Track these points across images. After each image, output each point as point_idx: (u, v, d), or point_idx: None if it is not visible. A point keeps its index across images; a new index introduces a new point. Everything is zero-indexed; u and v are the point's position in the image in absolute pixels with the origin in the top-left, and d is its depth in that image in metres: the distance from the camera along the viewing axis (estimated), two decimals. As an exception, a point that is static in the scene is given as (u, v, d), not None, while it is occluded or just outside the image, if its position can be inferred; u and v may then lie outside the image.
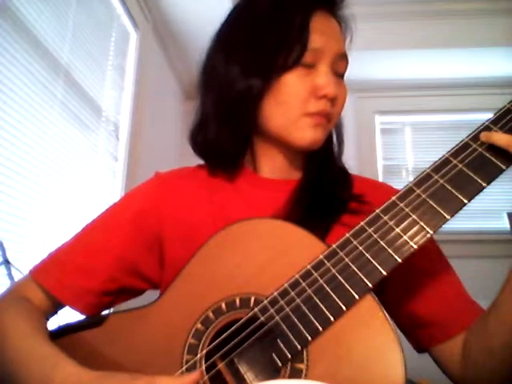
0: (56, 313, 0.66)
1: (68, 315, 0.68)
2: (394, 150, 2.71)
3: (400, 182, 2.60)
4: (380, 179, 2.54)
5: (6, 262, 1.08)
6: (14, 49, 1.21)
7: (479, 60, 2.44)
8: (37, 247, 1.30)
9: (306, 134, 0.62)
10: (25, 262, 1.12)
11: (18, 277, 1.04)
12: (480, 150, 0.50)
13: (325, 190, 0.65)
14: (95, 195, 1.66)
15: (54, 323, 0.64)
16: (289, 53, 0.60)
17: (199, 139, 0.69)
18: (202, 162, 0.73)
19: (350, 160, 0.74)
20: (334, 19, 0.65)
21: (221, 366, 0.52)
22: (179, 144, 2.64)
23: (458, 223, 2.31)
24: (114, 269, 0.64)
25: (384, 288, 0.61)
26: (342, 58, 0.64)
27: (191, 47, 2.38)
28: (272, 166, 0.69)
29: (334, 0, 0.65)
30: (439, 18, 2.36)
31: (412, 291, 0.62)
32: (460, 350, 0.57)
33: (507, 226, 2.37)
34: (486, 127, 0.52)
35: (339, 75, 0.65)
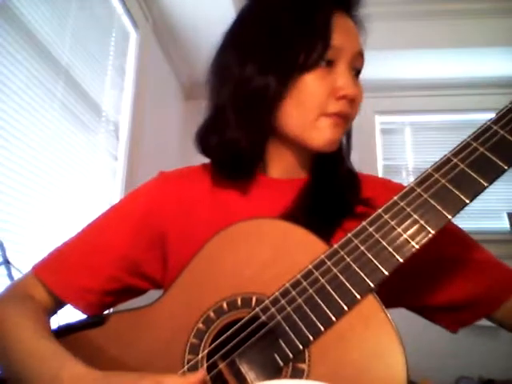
0: (58, 311, 0.66)
1: (68, 315, 0.68)
2: (394, 150, 2.72)
3: (400, 182, 2.59)
4: (380, 179, 2.54)
5: (6, 262, 1.07)
6: (14, 49, 1.21)
7: (479, 60, 2.44)
8: (37, 247, 1.30)
9: (325, 135, 0.61)
10: (25, 262, 1.12)
11: (17, 277, 1.04)
12: (481, 149, 0.50)
13: (332, 194, 0.65)
14: (95, 195, 1.66)
15: (54, 323, 0.63)
16: (310, 51, 0.59)
17: (213, 141, 0.66)
18: (203, 160, 0.72)
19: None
20: (351, 20, 0.64)
21: (222, 366, 0.51)
22: (179, 144, 2.64)
23: (457, 223, 2.30)
24: (116, 268, 0.64)
25: (415, 280, 0.63)
26: (360, 56, 0.64)
27: (191, 47, 2.38)
28: (281, 166, 0.68)
29: (353, 1, 0.65)
30: (439, 18, 2.36)
31: (449, 277, 0.63)
32: None
33: (507, 225, 2.38)
34: (488, 127, 0.51)
35: (356, 73, 0.64)
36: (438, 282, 0.63)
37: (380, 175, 2.60)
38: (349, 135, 0.71)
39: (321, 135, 0.61)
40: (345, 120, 0.63)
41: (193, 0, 2.04)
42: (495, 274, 0.62)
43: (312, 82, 0.60)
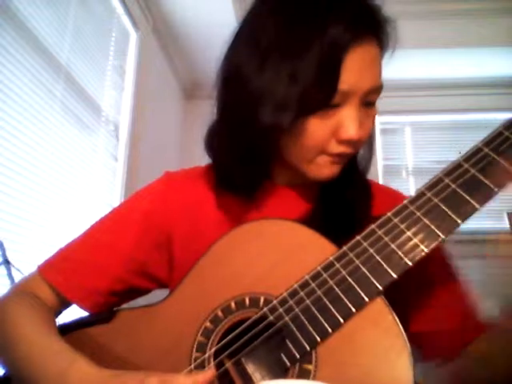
0: (63, 310, 0.65)
1: (73, 312, 0.67)
2: (394, 150, 2.72)
3: (400, 182, 2.60)
4: (380, 179, 2.55)
5: (6, 262, 1.07)
6: (14, 49, 1.21)
7: (479, 60, 2.45)
8: (37, 247, 1.29)
9: (322, 171, 0.60)
10: (25, 262, 1.11)
11: (17, 277, 1.04)
12: (493, 155, 0.50)
13: (343, 208, 0.63)
14: (95, 195, 1.66)
15: (59, 319, 0.63)
16: (317, 93, 0.53)
17: (215, 145, 0.64)
18: (203, 161, 0.72)
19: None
20: (376, 41, 0.57)
21: (228, 365, 0.51)
22: (179, 144, 2.64)
23: (457, 223, 2.31)
24: (122, 269, 0.64)
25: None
26: (375, 91, 0.57)
27: (191, 47, 2.37)
28: (287, 176, 0.67)
29: (380, 26, 0.58)
30: (439, 18, 2.36)
31: (416, 302, 0.60)
32: None
33: (507, 225, 2.38)
34: (499, 133, 0.51)
35: (369, 104, 0.59)
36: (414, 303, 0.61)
37: (380, 175, 2.61)
38: (371, 144, 0.67)
39: (318, 171, 0.60)
40: (345, 158, 0.61)
41: (193, 0, 2.04)
42: (462, 313, 0.59)
43: (314, 125, 0.56)
